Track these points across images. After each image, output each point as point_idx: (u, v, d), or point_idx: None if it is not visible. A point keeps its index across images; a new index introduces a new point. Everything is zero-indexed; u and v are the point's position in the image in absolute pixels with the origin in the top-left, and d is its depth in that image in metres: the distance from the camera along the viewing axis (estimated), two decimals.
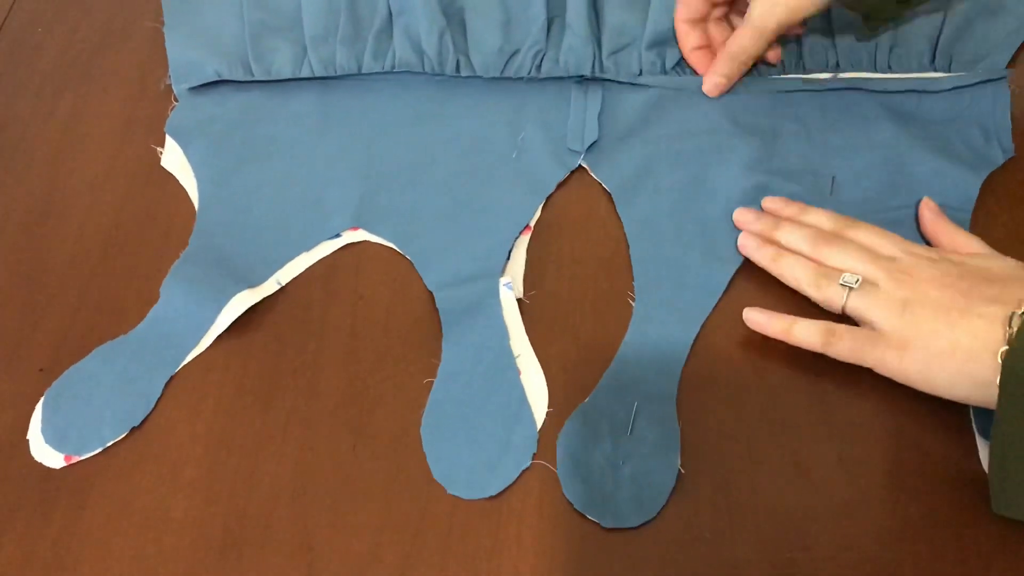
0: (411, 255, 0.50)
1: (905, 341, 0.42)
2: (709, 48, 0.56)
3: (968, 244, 0.46)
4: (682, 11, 0.55)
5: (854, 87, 0.55)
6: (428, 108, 0.56)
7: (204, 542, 0.42)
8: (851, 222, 0.48)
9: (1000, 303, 0.41)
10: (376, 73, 0.57)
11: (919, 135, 0.53)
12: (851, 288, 0.44)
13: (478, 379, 0.45)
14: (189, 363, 0.47)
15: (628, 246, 0.50)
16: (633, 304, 0.48)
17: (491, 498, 0.42)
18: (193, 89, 0.57)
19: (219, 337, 0.47)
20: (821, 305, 0.46)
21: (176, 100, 0.57)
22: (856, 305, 0.44)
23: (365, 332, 0.48)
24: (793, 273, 0.47)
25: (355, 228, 0.51)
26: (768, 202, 0.51)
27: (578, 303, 0.48)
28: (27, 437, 0.45)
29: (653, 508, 0.41)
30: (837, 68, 0.56)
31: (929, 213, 0.49)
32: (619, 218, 0.51)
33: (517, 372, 0.46)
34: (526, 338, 0.47)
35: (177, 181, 0.54)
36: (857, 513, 0.41)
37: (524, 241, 0.50)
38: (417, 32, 0.56)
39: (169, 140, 0.55)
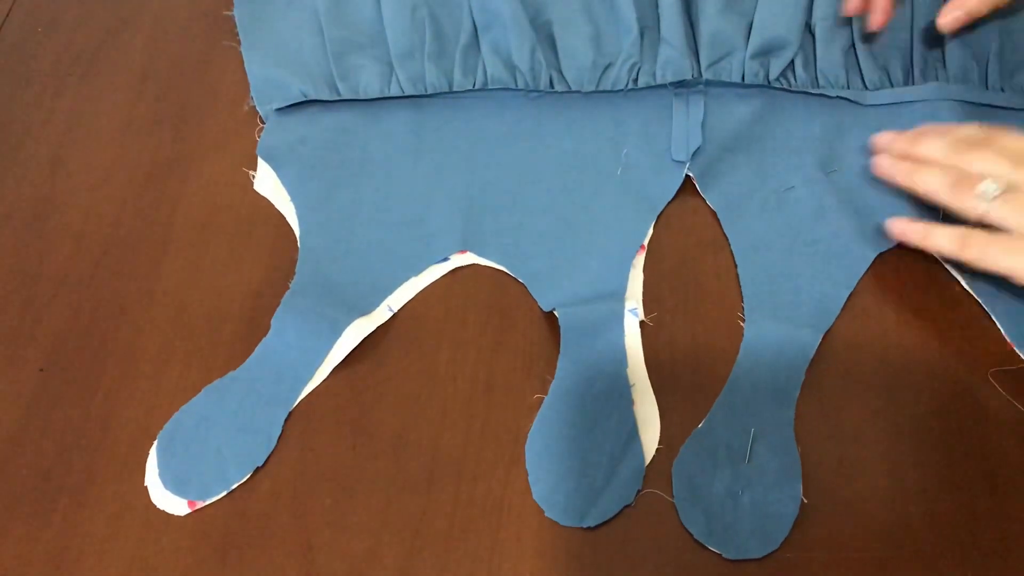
0: (523, 278, 0.48)
1: None
2: None
3: None
4: None
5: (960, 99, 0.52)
6: (525, 126, 0.54)
7: (204, 542, 0.42)
8: (997, 130, 0.47)
9: None
10: (467, 91, 0.55)
11: None
12: (992, 195, 0.43)
13: (590, 403, 0.44)
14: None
15: (737, 266, 0.48)
16: (743, 326, 0.46)
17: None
18: (280, 110, 0.55)
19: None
20: (957, 213, 0.45)
21: (262, 121, 0.55)
22: (997, 210, 0.43)
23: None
24: (928, 184, 0.46)
25: (463, 251, 0.50)
26: (918, 130, 0.49)
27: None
28: (145, 484, 0.43)
29: (777, 539, 0.40)
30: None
31: None
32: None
33: (631, 402, 0.44)
34: (644, 369, 0.45)
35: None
36: (857, 513, 0.41)
37: (640, 261, 0.49)
38: (507, 48, 0.54)
39: (262, 164, 0.54)
